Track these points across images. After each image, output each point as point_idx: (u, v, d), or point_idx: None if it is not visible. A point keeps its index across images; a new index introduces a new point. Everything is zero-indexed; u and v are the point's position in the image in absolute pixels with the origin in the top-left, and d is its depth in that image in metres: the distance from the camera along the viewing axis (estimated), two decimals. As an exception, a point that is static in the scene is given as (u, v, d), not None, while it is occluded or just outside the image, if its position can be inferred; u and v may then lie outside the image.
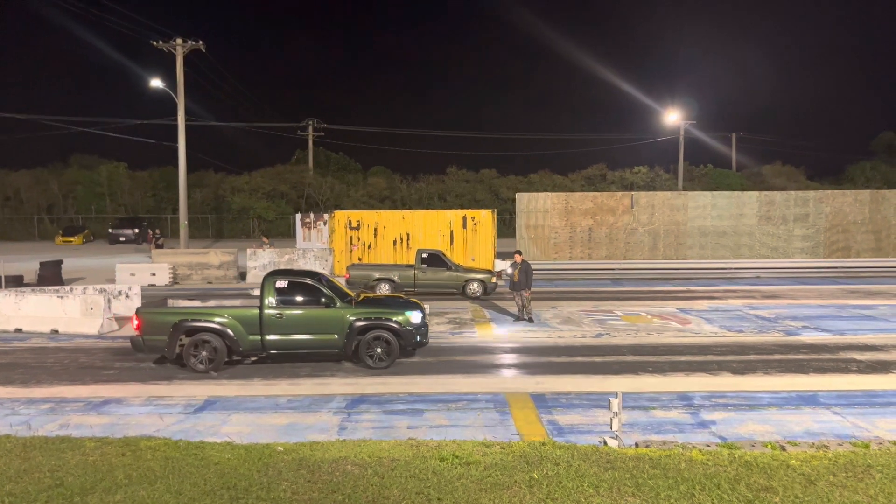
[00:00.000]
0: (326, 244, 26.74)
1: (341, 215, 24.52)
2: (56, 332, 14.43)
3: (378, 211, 28.69)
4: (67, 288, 17.14)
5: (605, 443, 7.41)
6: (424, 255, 19.90)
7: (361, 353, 11.19)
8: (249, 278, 23.44)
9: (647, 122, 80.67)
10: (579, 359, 11.91)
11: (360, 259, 23.70)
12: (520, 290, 15.38)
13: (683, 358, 11.86)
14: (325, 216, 32.40)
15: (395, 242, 23.97)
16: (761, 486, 6.12)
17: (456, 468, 6.52)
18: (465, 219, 23.97)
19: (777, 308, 17.20)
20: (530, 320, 15.35)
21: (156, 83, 30.19)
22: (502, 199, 52.24)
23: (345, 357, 11.57)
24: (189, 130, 30.66)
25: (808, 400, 9.35)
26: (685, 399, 9.41)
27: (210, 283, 23.39)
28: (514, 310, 16.10)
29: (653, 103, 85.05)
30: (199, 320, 11.05)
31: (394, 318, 11.32)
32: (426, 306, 12.67)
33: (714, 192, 29.03)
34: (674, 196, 27.43)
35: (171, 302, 12.30)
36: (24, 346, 13.35)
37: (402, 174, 59.01)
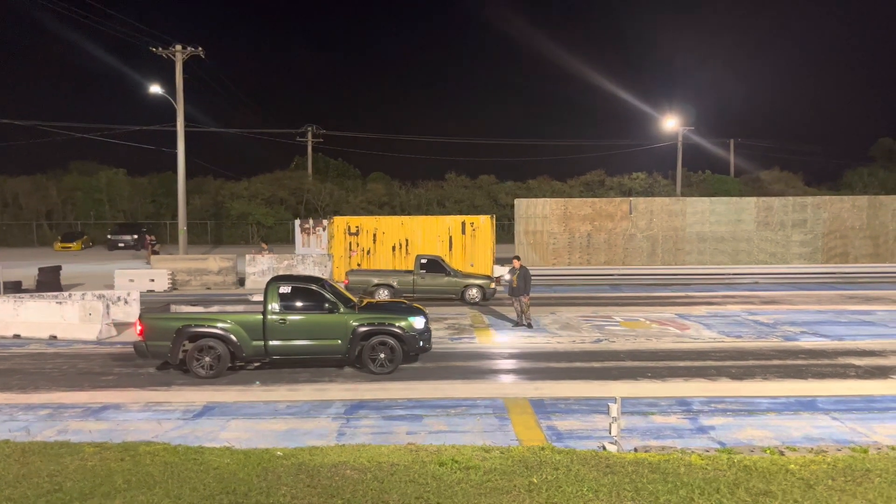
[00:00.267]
0: (325, 250, 26.77)
1: (340, 221, 24.55)
2: (55, 337, 14.41)
3: (377, 217, 28.74)
4: (66, 294, 17.13)
5: (605, 448, 7.42)
6: (423, 261, 19.92)
7: (365, 359, 11.19)
8: (248, 284, 23.45)
9: (646, 128, 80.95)
10: (578, 364, 11.92)
11: (359, 265, 23.72)
12: (518, 295, 15.40)
13: (682, 363, 11.87)
14: (324, 222, 32.40)
15: (394, 248, 23.98)
16: (760, 490, 6.12)
17: (455, 473, 6.53)
18: (463, 224, 24.00)
19: (775, 313, 17.22)
20: (529, 326, 15.35)
21: (155, 89, 30.26)
22: (501, 205, 52.26)
23: (348, 363, 11.57)
24: (188, 136, 30.70)
25: (807, 405, 9.36)
26: (684, 404, 9.41)
27: (209, 288, 23.38)
28: (513, 315, 16.11)
29: (651, 109, 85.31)
30: (203, 326, 11.06)
31: (397, 324, 11.32)
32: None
33: (712, 198, 29.08)
34: (672, 202, 27.48)
35: (174, 307, 12.30)
36: (22, 351, 13.34)
37: (401, 180, 59.11)
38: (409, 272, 20.11)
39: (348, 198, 53.47)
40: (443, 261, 20.27)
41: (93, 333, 14.32)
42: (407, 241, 23.91)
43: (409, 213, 47.86)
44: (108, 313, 14.80)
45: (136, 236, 44.10)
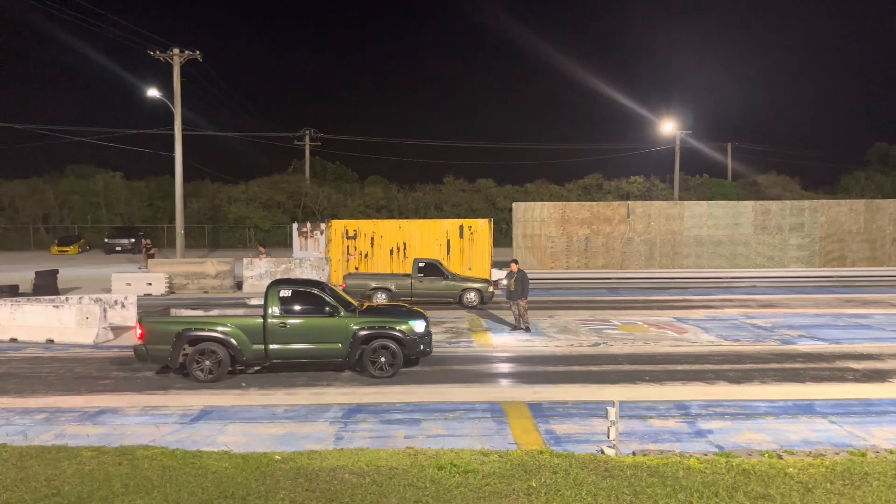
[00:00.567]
0: (323, 254, 26.73)
1: (338, 225, 24.54)
2: (51, 341, 14.37)
3: (375, 220, 28.71)
4: (63, 297, 17.08)
5: (603, 452, 7.41)
6: (421, 265, 19.92)
7: (365, 363, 11.17)
8: (246, 288, 23.42)
9: (643, 132, 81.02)
10: (576, 368, 11.92)
11: (356, 268, 23.70)
12: (516, 299, 15.40)
13: (680, 367, 11.87)
14: (322, 226, 32.37)
15: (391, 252, 23.98)
16: (759, 493, 6.12)
17: (454, 477, 6.52)
18: (461, 228, 24.00)
19: (773, 317, 17.24)
20: (527, 329, 15.35)
21: (153, 93, 30.22)
22: (499, 209, 52.36)
23: (349, 366, 11.55)
24: (186, 140, 30.67)
25: (805, 409, 9.36)
26: (682, 408, 9.41)
27: (206, 292, 23.34)
28: (511, 319, 16.11)
29: (649, 113, 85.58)
30: (203, 329, 11.03)
31: (398, 327, 11.31)
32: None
33: (710, 202, 29.15)
34: (670, 206, 27.53)
35: (174, 311, 12.28)
36: (19, 355, 13.29)
37: (399, 184, 59.23)
38: (407, 276, 20.10)
39: (346, 201, 53.51)
40: (441, 264, 20.27)
41: (90, 337, 14.28)
42: (405, 244, 23.91)
43: (406, 217, 47.83)
44: (105, 317, 14.76)
45: (133, 240, 44.05)
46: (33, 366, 12.36)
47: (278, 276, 22.63)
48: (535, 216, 26.54)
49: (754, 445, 7.82)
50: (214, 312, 12.18)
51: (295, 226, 35.25)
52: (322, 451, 7.41)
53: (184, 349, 10.95)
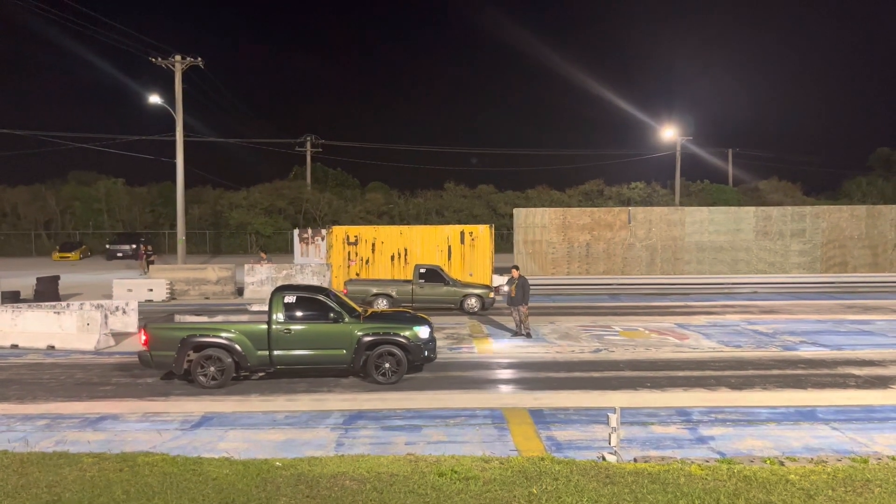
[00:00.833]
0: (324, 259, 26.78)
1: (339, 231, 24.56)
2: (52, 347, 14.37)
3: (376, 226, 28.74)
4: (64, 304, 17.10)
5: (604, 458, 7.40)
6: (422, 270, 19.93)
7: (370, 369, 11.16)
8: (247, 294, 23.43)
9: (644, 138, 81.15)
10: (577, 374, 11.90)
11: (357, 274, 23.71)
12: (517, 305, 15.39)
13: (681, 373, 11.86)
14: (323, 231, 32.44)
15: (392, 258, 23.98)
16: (761, 500, 6.11)
17: (455, 483, 6.51)
18: (462, 234, 24.02)
19: (775, 323, 17.22)
20: (528, 335, 15.34)
21: (154, 99, 30.34)
22: (500, 215, 52.34)
23: (353, 372, 11.54)
24: (187, 146, 30.77)
25: (807, 415, 9.34)
26: (683, 414, 9.40)
27: (207, 298, 23.35)
28: (512, 325, 16.10)
29: (649, 119, 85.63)
30: (208, 335, 11.04)
31: (402, 333, 11.30)
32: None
33: (711, 208, 29.15)
34: (671, 211, 27.53)
35: (178, 317, 12.28)
36: (20, 362, 13.30)
37: (400, 190, 59.26)
38: (408, 282, 20.11)
39: (347, 207, 53.53)
40: (442, 270, 20.28)
41: (91, 343, 14.29)
42: (406, 250, 23.92)
43: (407, 223, 47.90)
44: (106, 323, 14.77)
45: (134, 246, 44.06)
46: (34, 372, 12.36)
47: (279, 282, 22.62)
48: (536, 222, 26.54)
49: (756, 452, 7.80)
50: (219, 318, 12.18)
51: (296, 232, 35.41)
52: (323, 458, 7.41)
53: (188, 355, 10.96)
